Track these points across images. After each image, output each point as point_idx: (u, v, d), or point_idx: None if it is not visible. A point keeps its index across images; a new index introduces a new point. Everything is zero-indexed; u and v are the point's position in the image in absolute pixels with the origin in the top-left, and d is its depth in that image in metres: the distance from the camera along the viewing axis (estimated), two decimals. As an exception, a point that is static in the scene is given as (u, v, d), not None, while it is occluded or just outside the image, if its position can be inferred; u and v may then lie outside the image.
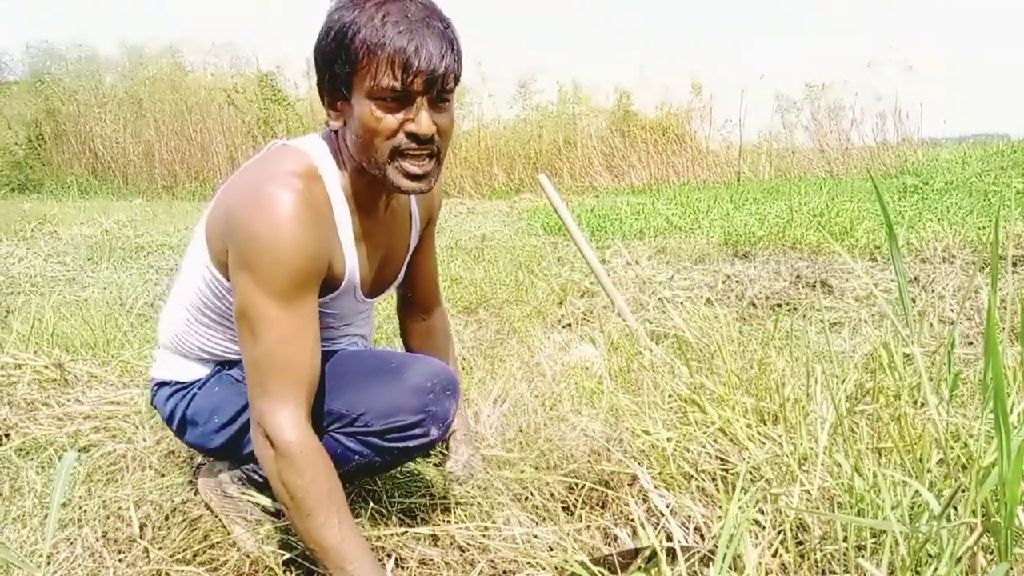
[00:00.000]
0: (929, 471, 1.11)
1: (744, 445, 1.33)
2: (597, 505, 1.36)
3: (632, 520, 1.23)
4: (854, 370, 1.64)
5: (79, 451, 1.69)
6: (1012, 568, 0.89)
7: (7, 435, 1.79)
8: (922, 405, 1.34)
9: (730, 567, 1.00)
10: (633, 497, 1.30)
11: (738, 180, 12.22)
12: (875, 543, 1.03)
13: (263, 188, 1.07)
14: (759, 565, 1.01)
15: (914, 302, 2.99)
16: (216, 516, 1.38)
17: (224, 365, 1.31)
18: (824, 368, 1.46)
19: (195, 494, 1.47)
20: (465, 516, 1.36)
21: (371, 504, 1.37)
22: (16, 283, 3.93)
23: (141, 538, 1.32)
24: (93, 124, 12.33)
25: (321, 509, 1.05)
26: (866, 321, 2.73)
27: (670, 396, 1.62)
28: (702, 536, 1.19)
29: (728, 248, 4.75)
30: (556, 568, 1.13)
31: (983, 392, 1.06)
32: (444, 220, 7.12)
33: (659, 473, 1.34)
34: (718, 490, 1.24)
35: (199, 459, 1.57)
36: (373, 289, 1.33)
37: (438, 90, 1.07)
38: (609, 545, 1.23)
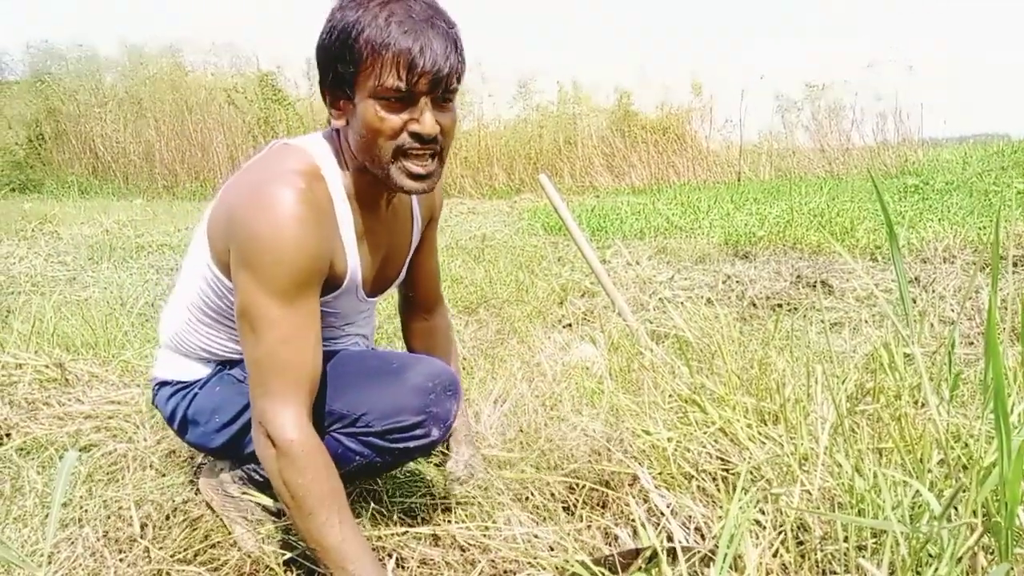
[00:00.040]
0: (930, 471, 1.11)
1: (745, 445, 1.33)
2: (598, 505, 1.36)
3: (633, 520, 1.23)
4: (855, 370, 1.64)
5: (80, 451, 1.69)
6: (1013, 568, 0.89)
7: (8, 435, 1.80)
8: (923, 405, 1.34)
9: (731, 567, 1.00)
10: (634, 497, 1.30)
11: (739, 180, 12.22)
12: (876, 543, 1.03)
13: (265, 187, 1.07)
14: (760, 565, 1.02)
15: (915, 302, 2.99)
16: (217, 516, 1.38)
17: (225, 365, 1.31)
18: (825, 368, 1.46)
19: (196, 494, 1.47)
20: (466, 516, 1.36)
21: (372, 504, 1.37)
22: (17, 283, 3.93)
23: (142, 538, 1.32)
24: (93, 124, 12.34)
25: (322, 509, 1.05)
26: (867, 321, 2.73)
27: (670, 396, 1.62)
28: (703, 536, 1.19)
29: (729, 248, 4.75)
30: (557, 568, 1.13)
31: (984, 392, 1.06)
32: (444, 220, 7.11)
33: (660, 473, 1.34)
34: (719, 490, 1.24)
35: (200, 459, 1.57)
36: (374, 288, 1.33)
37: (442, 90, 1.07)
38: (610, 545, 1.24)
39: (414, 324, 1.58)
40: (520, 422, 1.73)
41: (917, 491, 1.04)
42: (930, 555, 0.96)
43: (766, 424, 1.43)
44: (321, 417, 1.18)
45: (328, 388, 1.19)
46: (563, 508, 1.35)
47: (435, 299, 1.57)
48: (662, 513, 1.18)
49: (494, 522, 1.30)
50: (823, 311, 3.03)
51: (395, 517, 1.36)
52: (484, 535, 1.26)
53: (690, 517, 1.22)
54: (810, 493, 1.14)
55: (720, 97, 13.33)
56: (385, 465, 1.24)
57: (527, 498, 1.39)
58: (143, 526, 1.36)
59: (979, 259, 3.85)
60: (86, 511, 1.40)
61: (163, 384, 1.36)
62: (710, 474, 1.31)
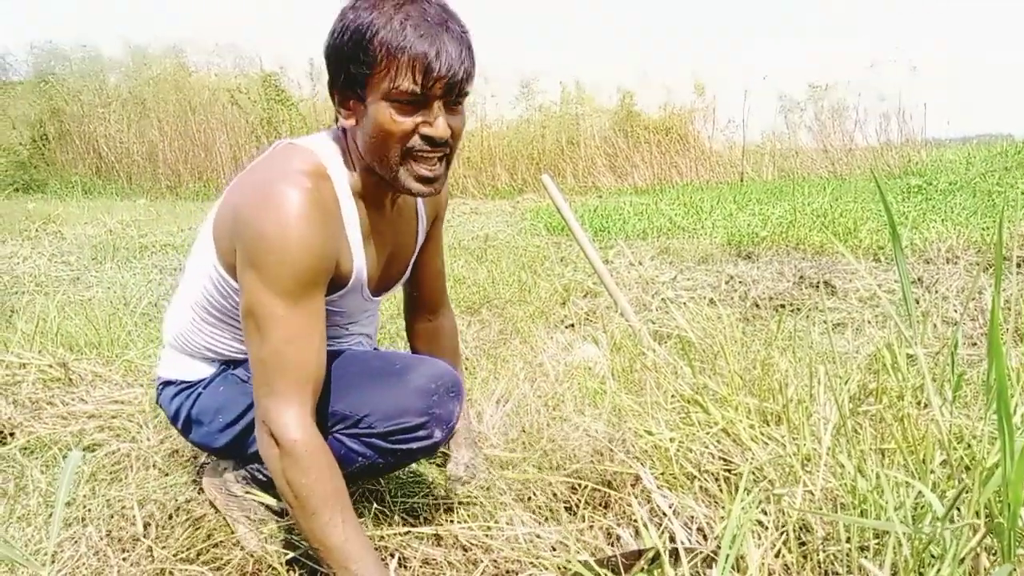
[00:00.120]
0: (932, 472, 1.11)
1: (747, 446, 1.33)
2: (600, 505, 1.36)
3: (635, 520, 1.23)
4: (857, 371, 1.63)
5: (83, 450, 1.69)
6: (1015, 569, 0.89)
7: (12, 434, 1.80)
8: (925, 406, 1.34)
9: (733, 568, 1.00)
10: (636, 497, 1.30)
11: (741, 180, 12.21)
12: (878, 544, 1.03)
13: (271, 187, 1.07)
14: (762, 566, 1.02)
15: (918, 303, 2.98)
16: (220, 515, 1.39)
17: (229, 364, 1.32)
18: (827, 369, 1.46)
19: (199, 493, 1.48)
20: (468, 516, 1.37)
21: (374, 504, 1.37)
22: (20, 283, 3.94)
23: (145, 537, 1.32)
24: (97, 124, 12.36)
25: (325, 508, 1.05)
26: (869, 322, 2.73)
27: (673, 396, 1.62)
28: (705, 537, 1.19)
29: (731, 248, 4.74)
30: (559, 568, 1.13)
31: (986, 393, 1.06)
32: (447, 220, 7.09)
33: (662, 473, 1.34)
34: (721, 491, 1.24)
35: (203, 458, 1.58)
36: (379, 287, 1.33)
37: (455, 94, 1.07)
38: (612, 545, 1.24)
39: (418, 325, 1.58)
40: (522, 422, 1.73)
41: (920, 492, 1.04)
42: (933, 556, 0.96)
43: (769, 425, 1.42)
44: (324, 418, 1.18)
45: (331, 389, 1.19)
46: (565, 508, 1.35)
47: (439, 299, 1.57)
48: (664, 513, 1.18)
49: (496, 522, 1.30)
50: (826, 312, 3.02)
51: (397, 517, 1.37)
52: (486, 535, 1.26)
53: (692, 517, 1.22)
54: (812, 494, 1.13)
55: (723, 97, 13.36)
56: (388, 466, 1.25)
57: (529, 498, 1.39)
58: (146, 525, 1.36)
59: (982, 260, 3.85)
60: (89, 510, 1.41)
61: (167, 384, 1.36)
62: (712, 474, 1.31)
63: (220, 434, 1.30)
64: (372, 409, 1.18)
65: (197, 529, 1.36)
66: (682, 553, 1.00)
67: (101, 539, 1.31)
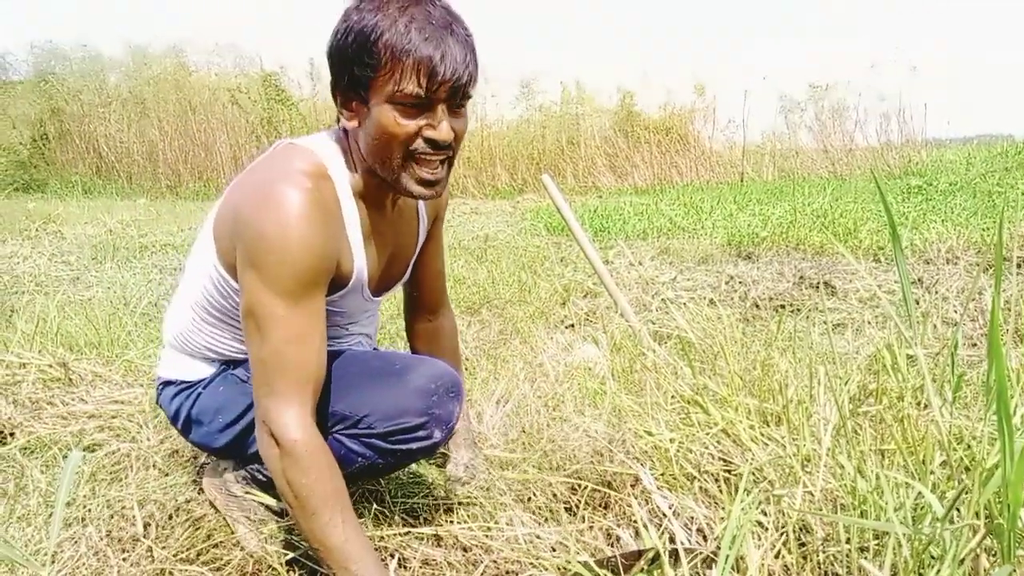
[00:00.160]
0: (932, 473, 1.11)
1: (747, 446, 1.33)
2: (600, 506, 1.36)
3: (635, 521, 1.23)
4: (857, 371, 1.63)
5: (83, 450, 1.69)
6: (1015, 570, 0.89)
7: (12, 434, 1.80)
8: (925, 407, 1.34)
9: (733, 568, 1.00)
10: (636, 498, 1.30)
11: (741, 181, 12.21)
12: (878, 545, 1.03)
13: (272, 186, 1.07)
14: (762, 566, 1.02)
15: (918, 303, 2.98)
16: (220, 515, 1.39)
17: (229, 364, 1.32)
18: (827, 369, 1.46)
19: (199, 493, 1.48)
20: (468, 516, 1.37)
21: (374, 504, 1.37)
22: (20, 282, 3.94)
23: (145, 537, 1.32)
24: (97, 124, 12.36)
25: (325, 509, 1.05)
26: (869, 322, 2.73)
27: (673, 397, 1.62)
28: (705, 537, 1.19)
29: (731, 249, 4.74)
30: (559, 569, 1.13)
31: (986, 394, 1.06)
32: (448, 220, 7.10)
33: (662, 474, 1.34)
34: (721, 491, 1.24)
35: (203, 458, 1.58)
36: (380, 287, 1.33)
37: (459, 97, 1.07)
38: (612, 546, 1.24)
39: (418, 325, 1.58)
40: (522, 422, 1.73)
41: (919, 493, 1.04)
42: (932, 557, 0.96)
43: (768, 425, 1.42)
44: (323, 418, 1.18)
45: (331, 389, 1.19)
46: (565, 509, 1.35)
47: (440, 299, 1.57)
48: (664, 514, 1.18)
49: (496, 523, 1.31)
50: (826, 312, 3.02)
51: (397, 517, 1.37)
52: (486, 535, 1.26)
53: (692, 518, 1.22)
54: (812, 494, 1.14)
55: (723, 98, 13.37)
56: (387, 467, 1.25)
57: (529, 499, 1.39)
58: (146, 525, 1.36)
59: (982, 260, 3.85)
60: (89, 510, 1.41)
61: (167, 384, 1.36)
62: (712, 475, 1.31)
63: (220, 434, 1.30)
64: (372, 409, 1.18)
65: (197, 529, 1.36)
66: (682, 554, 1.00)
67: (101, 539, 1.31)
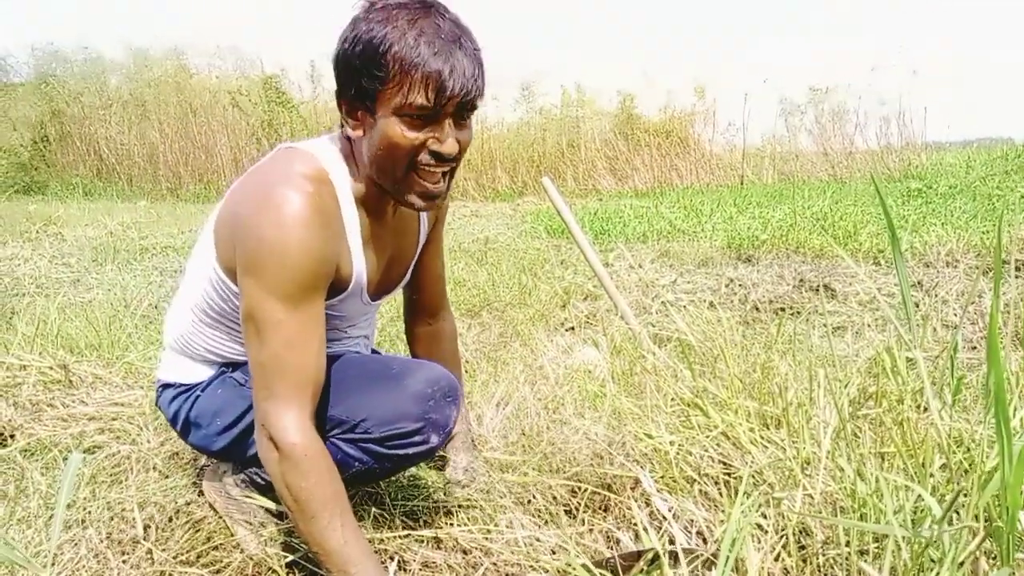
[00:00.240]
0: (931, 475, 1.11)
1: (747, 449, 1.33)
2: (599, 508, 1.37)
3: (634, 523, 1.24)
4: (857, 374, 1.64)
5: (84, 452, 1.69)
6: (1014, 573, 0.89)
7: (12, 436, 1.80)
8: (925, 410, 1.34)
9: (732, 571, 1.00)
10: (636, 500, 1.30)
11: (741, 183, 12.22)
12: (877, 547, 1.03)
13: (272, 190, 1.07)
14: (761, 569, 1.02)
15: (917, 306, 2.99)
16: (220, 518, 1.39)
17: (228, 367, 1.32)
18: (827, 372, 1.46)
19: (199, 496, 1.48)
20: (468, 519, 1.37)
21: (374, 507, 1.38)
22: (21, 284, 3.94)
23: (145, 539, 1.32)
24: (98, 126, 12.37)
25: (324, 512, 1.05)
26: (869, 325, 2.73)
27: (673, 400, 1.62)
28: (704, 540, 1.19)
29: (731, 252, 4.74)
30: (559, 571, 1.13)
31: (985, 397, 1.06)
32: (448, 223, 7.10)
33: (662, 477, 1.34)
34: (721, 494, 1.24)
35: (203, 461, 1.58)
36: (379, 291, 1.34)
37: (466, 110, 1.08)
38: (611, 548, 1.24)
39: (418, 328, 1.58)
40: (522, 425, 1.73)
41: (919, 495, 1.04)
42: (932, 559, 0.96)
43: (768, 428, 1.43)
44: (321, 422, 1.18)
45: (328, 393, 1.19)
46: (565, 511, 1.36)
47: (439, 303, 1.57)
48: (664, 517, 1.18)
49: (496, 525, 1.31)
50: (826, 315, 3.02)
51: (397, 520, 1.37)
52: (486, 538, 1.26)
53: (692, 521, 1.22)
54: (812, 497, 1.14)
55: (723, 100, 13.37)
56: (384, 471, 1.25)
57: (529, 501, 1.39)
58: (146, 528, 1.36)
59: (982, 263, 3.85)
60: (90, 513, 1.41)
61: (166, 386, 1.36)
62: (712, 478, 1.31)
63: (218, 437, 1.30)
64: (369, 414, 1.17)
65: (197, 532, 1.36)
66: (681, 556, 1.00)
67: (101, 541, 1.31)
